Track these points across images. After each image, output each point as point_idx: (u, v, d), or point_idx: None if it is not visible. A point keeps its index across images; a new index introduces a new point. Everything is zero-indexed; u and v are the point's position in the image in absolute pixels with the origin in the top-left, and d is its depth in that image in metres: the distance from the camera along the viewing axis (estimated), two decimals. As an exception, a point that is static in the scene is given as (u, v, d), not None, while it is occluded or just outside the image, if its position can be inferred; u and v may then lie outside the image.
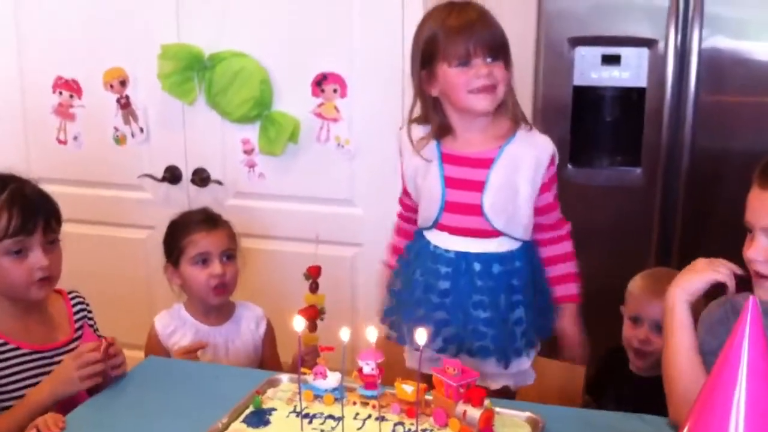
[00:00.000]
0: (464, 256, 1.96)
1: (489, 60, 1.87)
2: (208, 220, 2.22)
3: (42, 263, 1.84)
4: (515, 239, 1.96)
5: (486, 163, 1.92)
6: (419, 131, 2.00)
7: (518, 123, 1.94)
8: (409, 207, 2.11)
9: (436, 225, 1.98)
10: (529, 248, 2.00)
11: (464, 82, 1.87)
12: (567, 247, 2.05)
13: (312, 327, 1.98)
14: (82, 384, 1.76)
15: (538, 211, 1.97)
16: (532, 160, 1.92)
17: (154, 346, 2.16)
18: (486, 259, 1.95)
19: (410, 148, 2.01)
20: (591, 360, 2.12)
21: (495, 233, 1.94)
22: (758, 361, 0.98)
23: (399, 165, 2.07)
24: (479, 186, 1.92)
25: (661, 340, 1.89)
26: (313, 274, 2.01)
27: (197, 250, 2.16)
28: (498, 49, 1.88)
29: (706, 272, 1.58)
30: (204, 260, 2.16)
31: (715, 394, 1.01)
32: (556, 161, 1.98)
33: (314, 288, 2.01)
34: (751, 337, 0.98)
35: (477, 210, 1.92)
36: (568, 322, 2.05)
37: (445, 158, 1.96)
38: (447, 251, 1.97)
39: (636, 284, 2.10)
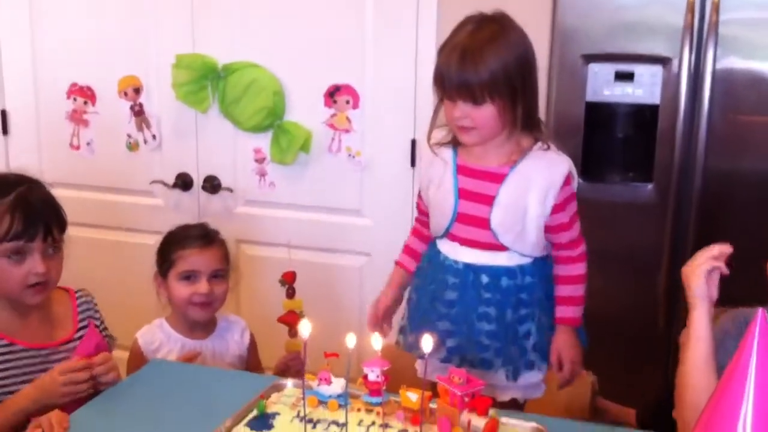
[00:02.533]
0: (473, 268, 1.95)
1: (468, 103, 1.84)
2: (203, 237, 2.18)
3: (38, 269, 1.83)
4: (525, 255, 1.95)
5: (498, 178, 1.91)
6: (440, 136, 1.99)
7: (536, 141, 1.92)
8: (424, 212, 2.11)
9: (447, 235, 1.98)
10: (542, 264, 1.99)
11: (450, 116, 1.89)
12: (578, 269, 2.00)
13: (294, 333, 1.96)
14: (63, 399, 1.75)
15: (550, 229, 1.95)
16: (544, 180, 1.90)
17: (137, 362, 2.09)
18: (494, 272, 1.94)
19: (428, 155, 2.01)
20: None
21: (503, 248, 1.93)
22: (766, 374, 0.96)
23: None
24: (489, 200, 1.91)
25: None
26: (289, 279, 2.00)
27: (186, 266, 2.14)
28: (478, 93, 1.82)
29: (700, 268, 1.56)
30: (189, 277, 2.13)
31: (721, 408, 0.99)
32: (574, 181, 1.94)
33: (291, 294, 2.01)
34: (759, 351, 0.97)
35: (485, 224, 1.92)
36: (563, 343, 2.00)
37: (460, 170, 1.95)
38: (456, 262, 1.97)
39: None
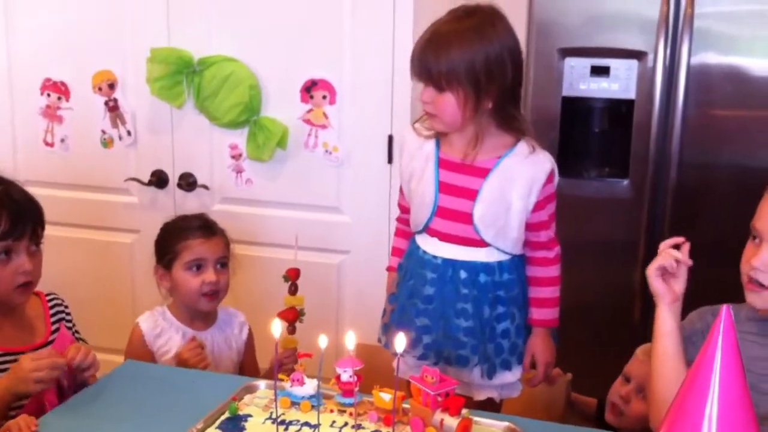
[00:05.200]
0: (451, 264, 1.94)
1: (432, 88, 1.86)
2: (205, 227, 2.21)
3: (26, 267, 1.83)
4: (505, 252, 1.95)
5: (482, 173, 1.90)
6: (423, 128, 1.99)
7: (519, 137, 1.91)
8: (406, 209, 2.09)
9: (426, 229, 1.97)
10: (520, 262, 1.99)
11: (421, 100, 1.91)
12: (553, 271, 2.00)
13: (291, 329, 1.97)
14: (35, 386, 1.72)
15: (529, 227, 1.95)
16: (528, 176, 1.90)
17: (138, 347, 2.12)
18: (472, 267, 1.94)
19: (410, 148, 2.00)
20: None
21: (483, 243, 1.92)
22: (731, 370, 0.97)
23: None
24: (472, 195, 1.90)
25: (640, 406, 1.90)
26: (292, 276, 2.01)
27: (193, 255, 2.14)
28: (437, 80, 1.84)
29: (650, 268, 1.58)
30: (198, 266, 2.14)
31: (687, 403, 1.00)
32: (555, 179, 1.95)
33: (293, 290, 2.01)
34: (723, 346, 0.97)
35: (467, 218, 1.91)
36: (538, 344, 2.01)
37: (442, 163, 1.94)
38: (435, 257, 1.96)
39: (644, 347, 2.07)
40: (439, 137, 1.96)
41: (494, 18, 1.87)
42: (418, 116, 2.03)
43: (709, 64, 2.41)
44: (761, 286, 1.50)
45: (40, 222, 1.89)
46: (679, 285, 1.58)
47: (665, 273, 1.58)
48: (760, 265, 1.49)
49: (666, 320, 1.57)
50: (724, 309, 0.99)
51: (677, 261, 1.56)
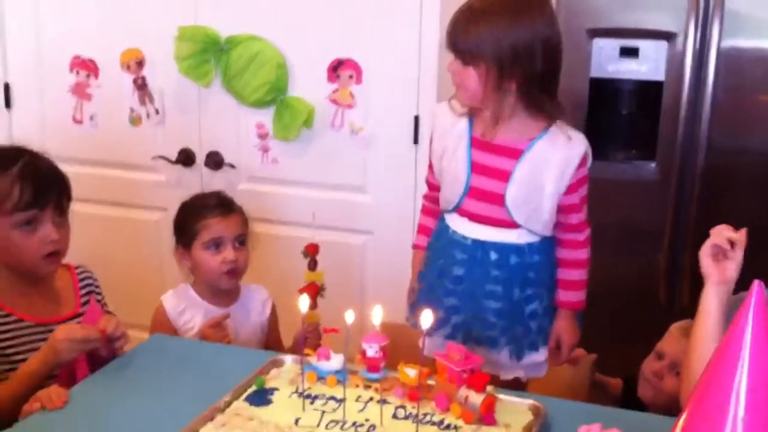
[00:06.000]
0: (481, 245, 1.95)
1: (458, 60, 1.87)
2: (222, 204, 2.21)
3: (53, 236, 1.85)
4: (535, 233, 1.95)
5: (515, 154, 1.90)
6: (458, 107, 1.99)
7: (553, 120, 1.90)
8: (434, 186, 2.09)
9: (457, 209, 1.97)
10: (550, 243, 1.99)
11: (448, 69, 1.93)
12: (582, 254, 2.00)
13: (313, 304, 1.98)
14: (69, 354, 1.75)
15: (561, 209, 1.94)
16: (561, 159, 1.89)
17: (162, 325, 2.15)
18: (503, 249, 1.94)
19: (443, 125, 2.00)
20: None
21: (514, 225, 1.92)
22: (760, 346, 0.96)
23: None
24: (505, 176, 1.90)
25: (674, 382, 1.90)
26: (311, 251, 2.02)
27: (211, 234, 2.15)
28: (461, 54, 1.86)
29: (704, 246, 1.56)
30: (217, 245, 2.16)
31: (714, 379, 1.00)
32: (588, 163, 1.94)
33: (313, 266, 2.03)
34: (754, 323, 0.97)
35: (499, 200, 1.91)
36: (564, 326, 2.01)
37: (475, 143, 1.94)
38: (465, 238, 1.96)
39: (679, 324, 2.08)
40: (473, 116, 1.96)
41: (535, 3, 1.86)
42: (450, 95, 2.03)
43: (739, 48, 2.39)
44: None
45: (66, 193, 1.91)
46: (732, 268, 1.55)
47: (719, 254, 1.56)
48: None
49: (710, 300, 1.55)
50: (756, 285, 0.99)
51: (731, 243, 1.54)
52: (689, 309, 1.78)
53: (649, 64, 2.45)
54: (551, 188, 1.90)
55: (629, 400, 2.11)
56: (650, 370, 2.06)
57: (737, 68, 2.40)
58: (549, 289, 1.99)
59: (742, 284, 1.61)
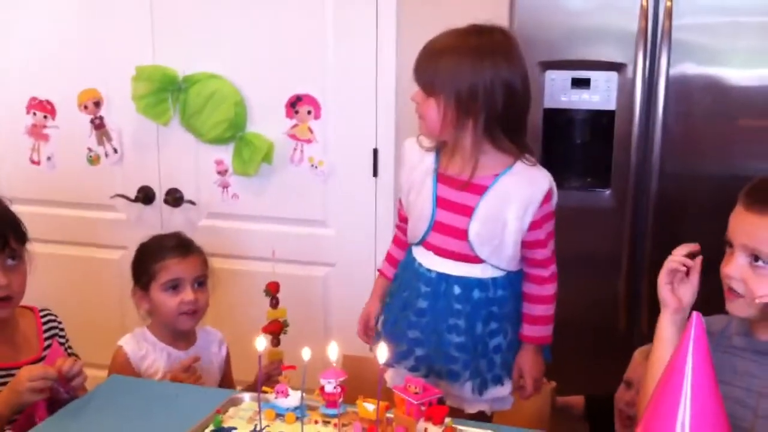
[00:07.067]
0: (445, 278, 1.95)
1: (423, 93, 1.90)
2: (181, 246, 2.19)
3: (1, 282, 1.83)
4: (500, 268, 1.96)
5: (480, 190, 1.91)
6: (425, 141, 2.01)
7: (518, 156, 1.91)
8: (405, 218, 2.10)
9: (423, 243, 1.98)
10: (516, 278, 1.99)
11: (411, 98, 1.95)
12: (548, 289, 2.00)
13: (276, 342, 1.98)
14: (29, 395, 1.73)
15: (526, 245, 1.95)
16: (524, 196, 1.90)
17: (124, 369, 2.10)
18: (467, 283, 1.94)
19: (412, 160, 2.02)
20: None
21: (478, 260, 1.93)
22: (702, 375, 0.99)
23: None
24: (468, 211, 1.91)
25: None
26: (273, 290, 2.03)
27: (169, 276, 2.13)
28: (428, 85, 1.88)
29: (661, 273, 1.60)
30: (175, 286, 2.13)
31: (660, 407, 1.02)
32: (553, 199, 1.95)
33: (275, 303, 2.04)
34: (694, 353, 0.99)
35: (463, 235, 1.92)
36: (526, 359, 2.01)
37: (440, 178, 1.96)
38: (429, 271, 1.97)
39: (642, 349, 2.10)
40: (440, 151, 1.98)
41: (499, 47, 1.88)
42: (409, 128, 2.05)
43: (687, 75, 2.44)
44: (736, 294, 1.52)
45: (17, 235, 1.88)
46: (688, 294, 1.60)
47: (676, 279, 1.60)
48: (732, 273, 1.51)
49: (666, 328, 1.59)
50: (695, 316, 1.01)
51: (686, 267, 1.58)
52: (648, 335, 1.81)
53: (600, 94, 2.50)
54: (514, 225, 1.91)
55: (593, 414, 2.13)
56: (623, 401, 2.08)
57: (686, 96, 2.45)
58: (514, 323, 2.00)
59: (696, 306, 1.65)
